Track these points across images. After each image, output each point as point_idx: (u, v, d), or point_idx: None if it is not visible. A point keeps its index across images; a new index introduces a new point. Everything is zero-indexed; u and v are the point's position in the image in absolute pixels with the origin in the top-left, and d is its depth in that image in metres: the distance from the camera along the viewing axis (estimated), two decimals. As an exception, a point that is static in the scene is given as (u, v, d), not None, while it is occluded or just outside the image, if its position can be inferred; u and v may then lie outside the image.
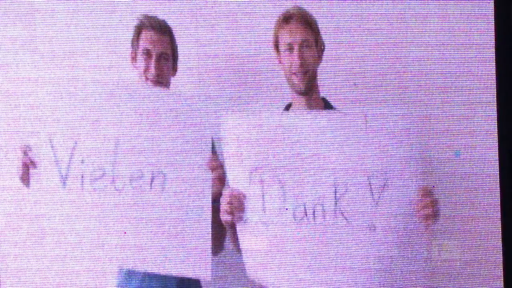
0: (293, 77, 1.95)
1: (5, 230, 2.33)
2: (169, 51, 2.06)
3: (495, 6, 2.00)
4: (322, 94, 2.05)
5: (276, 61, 2.03)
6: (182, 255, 1.96)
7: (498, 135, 2.01)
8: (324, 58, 2.01)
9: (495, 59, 2.01)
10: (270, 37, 2.02)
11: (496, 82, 2.01)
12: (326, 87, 2.05)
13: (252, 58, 2.21)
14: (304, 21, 1.95)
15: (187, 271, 1.97)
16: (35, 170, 1.99)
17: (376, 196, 1.85)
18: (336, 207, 1.85)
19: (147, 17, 2.06)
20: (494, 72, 2.01)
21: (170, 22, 2.10)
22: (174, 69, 2.11)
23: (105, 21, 2.27)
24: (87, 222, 2.06)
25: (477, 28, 2.05)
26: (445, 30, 2.10)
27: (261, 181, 1.88)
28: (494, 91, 2.01)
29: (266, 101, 2.19)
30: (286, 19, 1.95)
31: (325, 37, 1.99)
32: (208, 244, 1.94)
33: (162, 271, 1.97)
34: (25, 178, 2.01)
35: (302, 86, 1.95)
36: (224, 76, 2.26)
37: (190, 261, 1.95)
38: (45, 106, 2.02)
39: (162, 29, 2.05)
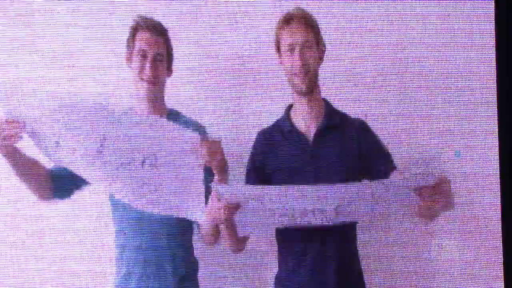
0: (294, 77, 1.95)
1: (4, 231, 2.33)
2: (164, 52, 2.06)
3: (496, 6, 2.00)
4: (323, 95, 2.05)
5: (277, 62, 2.03)
6: (177, 199, 1.94)
7: (498, 135, 2.02)
8: (325, 58, 2.01)
9: (496, 59, 2.01)
10: (270, 37, 2.02)
11: (496, 82, 2.01)
12: (327, 88, 2.04)
13: (253, 59, 2.21)
14: (305, 22, 1.95)
15: (183, 213, 1.96)
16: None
17: (376, 200, 1.85)
18: (336, 216, 1.85)
19: (142, 18, 2.06)
20: (495, 72, 2.01)
21: (169, 23, 2.10)
22: (170, 70, 2.11)
23: (105, 21, 2.27)
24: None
25: (477, 29, 2.05)
26: (445, 30, 2.10)
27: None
28: (495, 91, 2.01)
29: (267, 102, 2.20)
30: (287, 20, 1.95)
31: (326, 37, 1.99)
32: (202, 189, 1.92)
33: (157, 210, 1.96)
34: (12, 152, 1.96)
35: (303, 87, 1.95)
36: (225, 77, 2.26)
37: (185, 204, 1.94)
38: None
39: (158, 30, 2.05)
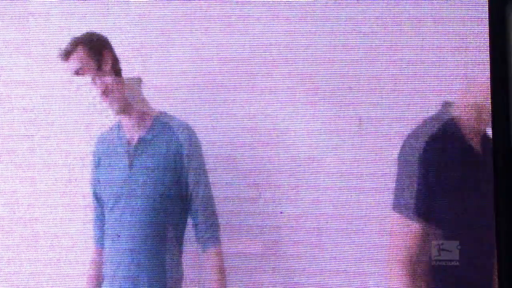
0: None
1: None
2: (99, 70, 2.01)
3: (489, 8, 2.00)
4: (319, 95, 2.03)
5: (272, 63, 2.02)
6: None
7: (492, 137, 2.02)
8: (320, 58, 2.00)
9: (490, 61, 2.02)
10: (266, 38, 2.02)
11: (490, 84, 2.02)
12: (325, 88, 2.04)
13: (247, 60, 2.21)
14: None
15: None
16: None
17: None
18: None
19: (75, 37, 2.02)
20: (489, 75, 2.02)
21: (165, 24, 2.09)
22: (118, 75, 2.04)
23: (101, 24, 2.26)
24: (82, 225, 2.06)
25: (471, 31, 2.06)
26: (440, 31, 2.10)
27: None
28: (489, 92, 2.01)
29: (261, 104, 2.19)
30: None
31: (322, 38, 1.99)
32: None
33: None
34: None
35: None
36: (218, 79, 2.26)
37: None
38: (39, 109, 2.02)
39: (92, 48, 2.01)
